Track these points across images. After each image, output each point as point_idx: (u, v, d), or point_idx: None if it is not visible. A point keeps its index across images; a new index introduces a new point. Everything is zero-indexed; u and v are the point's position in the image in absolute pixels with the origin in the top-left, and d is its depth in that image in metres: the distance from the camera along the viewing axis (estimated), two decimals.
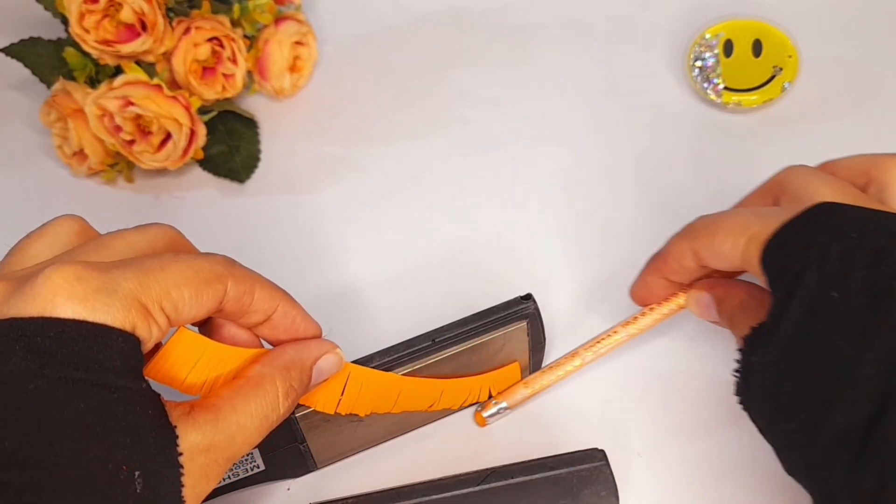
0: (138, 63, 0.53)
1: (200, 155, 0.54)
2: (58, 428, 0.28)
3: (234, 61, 0.54)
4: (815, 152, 0.53)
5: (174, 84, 0.54)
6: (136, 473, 0.29)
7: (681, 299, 0.42)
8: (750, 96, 0.55)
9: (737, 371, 0.36)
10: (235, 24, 0.55)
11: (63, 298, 0.29)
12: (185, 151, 0.53)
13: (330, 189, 0.55)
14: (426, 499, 0.40)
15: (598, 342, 0.44)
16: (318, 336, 0.38)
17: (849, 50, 0.57)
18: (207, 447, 0.31)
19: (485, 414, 0.44)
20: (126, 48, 0.52)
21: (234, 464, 0.37)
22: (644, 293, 0.43)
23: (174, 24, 0.53)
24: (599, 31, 0.60)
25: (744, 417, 0.45)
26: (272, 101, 0.59)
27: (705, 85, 0.55)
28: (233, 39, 0.54)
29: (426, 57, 0.60)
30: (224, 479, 0.42)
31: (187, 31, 0.53)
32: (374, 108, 0.58)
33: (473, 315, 0.41)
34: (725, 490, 0.43)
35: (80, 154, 0.54)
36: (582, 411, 0.45)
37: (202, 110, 0.54)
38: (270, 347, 0.37)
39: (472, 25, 0.61)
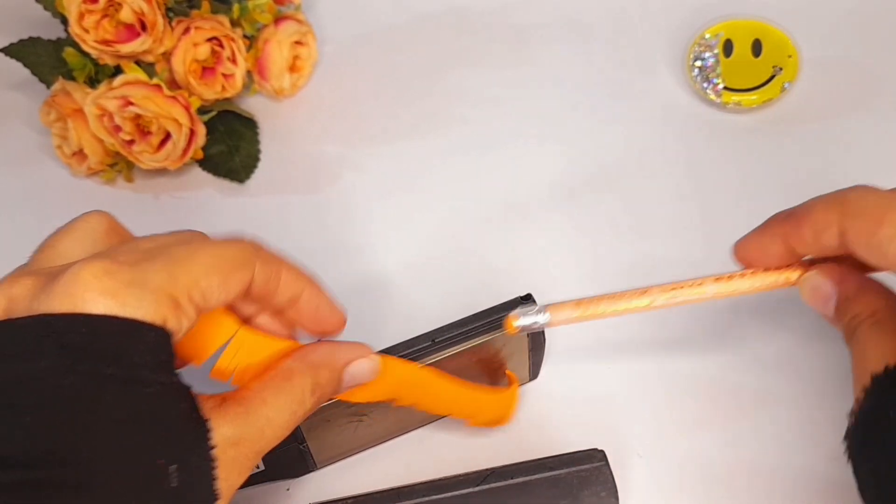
0: (138, 63, 0.53)
1: (200, 155, 0.54)
2: (93, 424, 0.28)
3: (234, 61, 0.54)
4: (815, 152, 0.54)
5: (174, 84, 0.54)
6: (172, 467, 0.29)
7: (793, 275, 0.35)
8: (750, 96, 0.55)
9: (855, 415, 0.30)
10: (235, 24, 0.55)
11: (94, 294, 0.29)
12: (185, 151, 0.53)
13: (330, 189, 0.55)
14: (426, 499, 0.40)
15: (677, 288, 0.37)
16: (342, 322, 0.38)
17: (849, 50, 0.57)
18: (239, 440, 0.31)
19: (517, 323, 0.38)
20: (125, 48, 0.52)
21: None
22: (753, 253, 0.36)
23: (174, 24, 0.53)
24: (599, 31, 0.60)
25: (744, 418, 0.45)
26: (272, 101, 0.59)
27: (705, 85, 0.55)
28: (232, 39, 0.54)
29: (426, 57, 0.60)
30: None
31: (187, 31, 0.53)
32: (374, 108, 0.58)
33: (473, 315, 0.41)
34: (725, 490, 0.43)
35: (80, 154, 0.54)
36: (582, 411, 0.45)
37: (202, 110, 0.54)
38: (306, 342, 0.37)
39: (472, 25, 0.61)
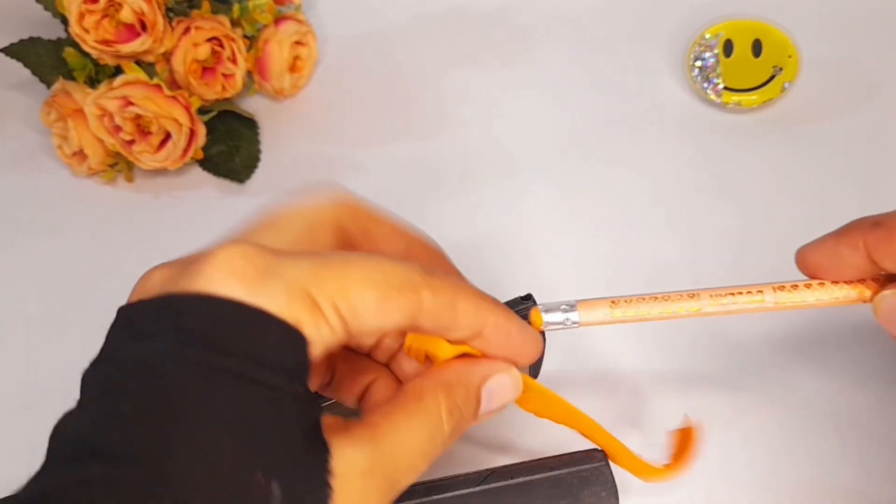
0: (138, 63, 0.53)
1: (200, 155, 0.54)
2: (191, 421, 0.25)
3: (234, 61, 0.54)
4: (816, 152, 0.54)
5: (174, 84, 0.54)
6: (275, 485, 0.25)
7: (866, 292, 0.32)
8: (750, 96, 0.55)
9: None
10: (235, 24, 0.55)
11: (222, 274, 0.26)
12: (185, 151, 0.53)
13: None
14: (426, 499, 0.40)
15: (732, 294, 0.33)
16: (539, 348, 0.33)
17: (849, 50, 0.57)
18: (369, 469, 0.27)
19: (547, 318, 0.34)
20: (126, 48, 0.52)
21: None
22: (823, 263, 0.32)
23: (174, 24, 0.53)
24: (599, 32, 0.60)
25: (744, 418, 0.45)
26: (272, 101, 0.59)
27: (705, 85, 0.55)
28: (233, 39, 0.54)
29: (426, 57, 0.60)
30: None
31: (187, 31, 0.53)
32: (375, 108, 0.58)
33: None
34: (726, 490, 0.43)
35: (80, 154, 0.54)
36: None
37: (202, 110, 0.54)
38: None
39: (472, 26, 0.61)
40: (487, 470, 0.41)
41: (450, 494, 0.40)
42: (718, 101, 0.55)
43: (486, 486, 0.40)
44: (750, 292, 0.33)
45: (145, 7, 0.51)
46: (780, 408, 0.45)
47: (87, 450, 0.25)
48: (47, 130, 0.55)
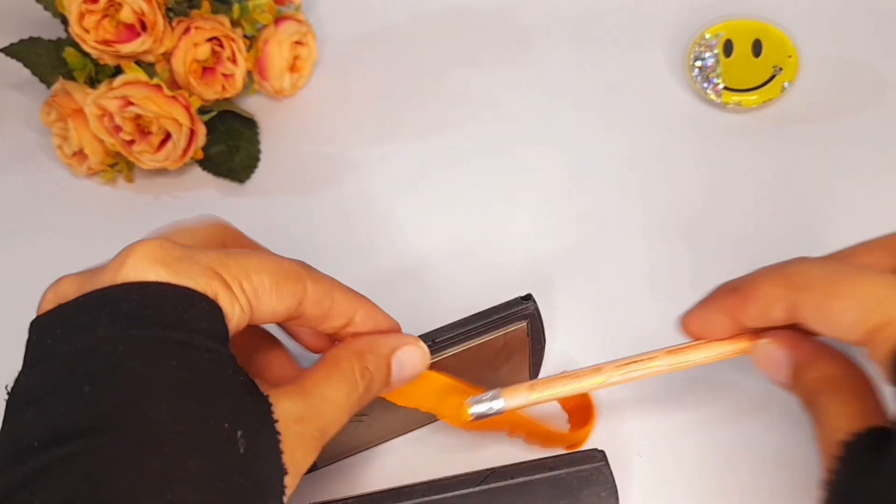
0: (138, 63, 0.53)
1: (200, 155, 0.54)
2: (153, 386, 0.28)
3: (234, 61, 0.54)
4: (815, 152, 0.54)
5: (174, 84, 0.54)
6: (239, 433, 0.28)
7: (744, 344, 0.35)
8: (750, 96, 0.55)
9: (829, 485, 0.30)
10: (235, 24, 0.55)
11: (147, 263, 0.29)
12: (185, 151, 0.53)
13: (329, 189, 0.55)
14: (426, 499, 0.40)
15: (631, 363, 0.37)
16: (398, 331, 0.38)
17: (849, 50, 0.57)
18: (300, 417, 0.31)
19: (472, 410, 0.38)
20: (126, 48, 0.52)
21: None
22: (702, 328, 0.36)
23: (174, 24, 0.53)
24: (599, 32, 0.60)
25: (745, 418, 0.45)
26: (272, 101, 0.59)
27: (705, 85, 0.55)
28: (232, 39, 0.54)
29: (426, 57, 0.60)
30: None
31: (187, 31, 0.53)
32: (374, 108, 0.58)
33: (473, 315, 0.41)
34: (725, 490, 0.43)
35: (80, 154, 0.54)
36: None
37: (202, 110, 0.54)
38: None
39: (472, 26, 0.61)
40: (487, 470, 0.41)
41: (450, 494, 0.40)
42: (718, 101, 0.55)
43: (486, 486, 0.40)
44: (644, 360, 0.36)
45: (145, 7, 0.51)
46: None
47: (59, 433, 0.27)
48: (47, 130, 0.55)
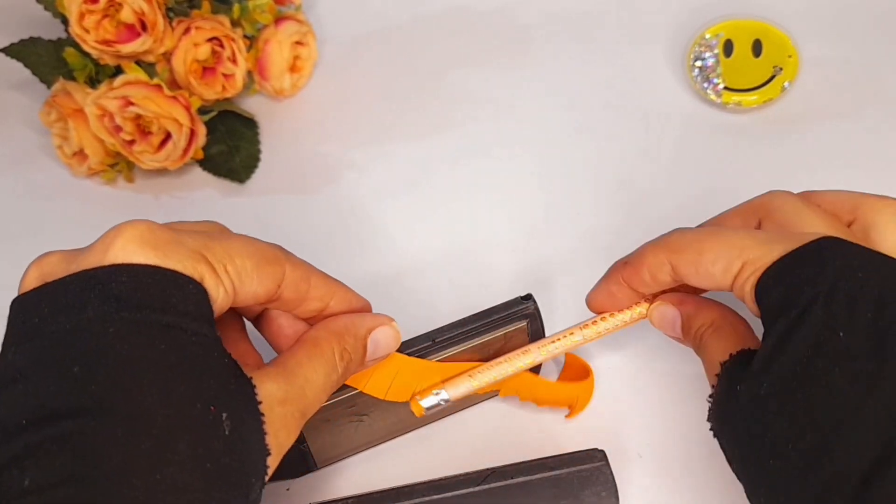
0: (138, 63, 0.53)
1: (200, 155, 0.54)
2: (142, 368, 0.28)
3: (234, 61, 0.54)
4: (815, 152, 0.54)
5: (174, 84, 0.54)
6: (224, 415, 0.29)
7: (642, 308, 0.40)
8: (750, 96, 0.55)
9: (712, 397, 0.35)
10: (235, 24, 0.55)
11: (135, 245, 0.30)
12: (185, 151, 0.53)
13: (329, 189, 0.55)
14: (426, 499, 0.40)
15: (553, 342, 0.41)
16: (379, 322, 0.39)
17: (849, 50, 0.57)
18: (283, 398, 0.32)
19: (423, 402, 0.40)
20: (126, 48, 0.52)
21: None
22: (605, 302, 0.40)
23: (174, 24, 0.53)
24: (599, 32, 0.60)
25: None
26: (272, 101, 0.59)
27: (705, 85, 0.55)
28: (233, 39, 0.54)
29: (427, 57, 0.60)
30: None
31: (187, 31, 0.53)
32: (375, 108, 0.58)
33: (473, 315, 0.41)
34: (725, 490, 0.43)
35: (80, 154, 0.54)
36: (582, 411, 0.45)
37: (202, 110, 0.54)
38: None
39: (472, 26, 0.61)
40: (487, 470, 0.41)
41: (450, 494, 0.40)
42: (718, 101, 0.55)
43: (486, 486, 0.40)
44: (564, 336, 0.41)
45: (145, 7, 0.51)
46: None
47: (49, 412, 0.27)
48: (47, 130, 0.55)
